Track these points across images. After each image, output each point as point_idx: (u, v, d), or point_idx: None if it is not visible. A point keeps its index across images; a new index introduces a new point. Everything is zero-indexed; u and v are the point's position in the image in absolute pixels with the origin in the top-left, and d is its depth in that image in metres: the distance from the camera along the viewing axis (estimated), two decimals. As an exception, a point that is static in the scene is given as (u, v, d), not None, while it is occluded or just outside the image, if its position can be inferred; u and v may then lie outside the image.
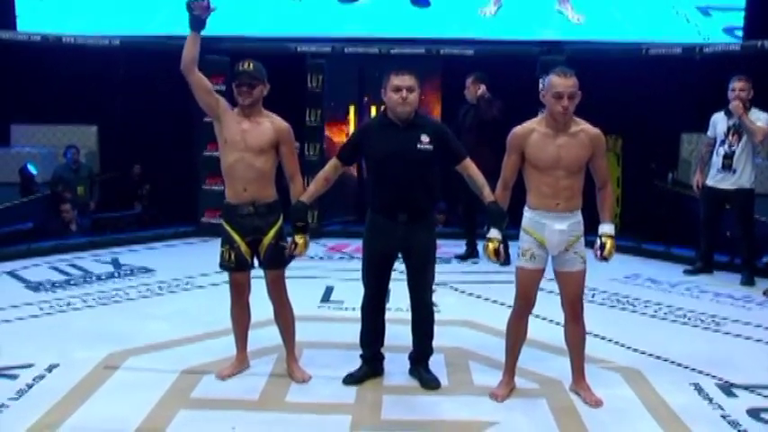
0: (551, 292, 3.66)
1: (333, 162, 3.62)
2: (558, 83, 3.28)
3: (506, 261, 3.54)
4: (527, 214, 3.45)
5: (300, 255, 3.60)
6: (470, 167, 3.55)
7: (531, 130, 3.39)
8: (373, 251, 3.60)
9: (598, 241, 3.41)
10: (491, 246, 3.43)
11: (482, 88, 6.12)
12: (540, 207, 3.39)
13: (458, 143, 3.63)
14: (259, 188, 3.58)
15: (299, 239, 3.54)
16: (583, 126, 3.38)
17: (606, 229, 3.42)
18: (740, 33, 7.95)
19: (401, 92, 3.41)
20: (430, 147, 3.46)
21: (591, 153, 3.36)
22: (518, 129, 3.43)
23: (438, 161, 3.53)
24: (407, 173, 3.44)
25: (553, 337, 4.08)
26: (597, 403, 3.45)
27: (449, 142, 3.55)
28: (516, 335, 3.57)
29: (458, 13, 8.08)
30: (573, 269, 3.42)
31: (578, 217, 3.42)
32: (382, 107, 3.61)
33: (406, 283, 3.67)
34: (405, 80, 3.42)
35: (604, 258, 3.41)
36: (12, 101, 8.60)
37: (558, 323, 4.23)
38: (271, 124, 3.58)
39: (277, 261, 3.65)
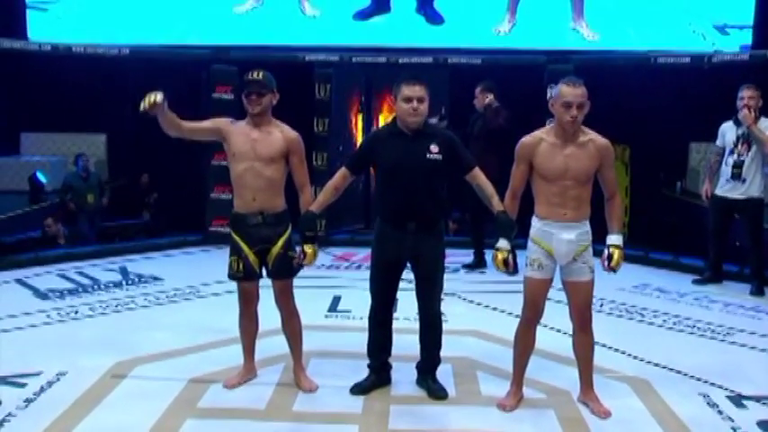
0: (559, 301, 3.65)
1: (342, 171, 3.61)
2: (567, 92, 3.28)
3: (515, 271, 3.53)
4: (535, 224, 3.45)
5: (309, 265, 3.59)
6: (479, 177, 3.55)
7: (540, 139, 3.39)
8: (381, 260, 3.59)
9: (606, 252, 3.40)
10: (500, 256, 3.43)
11: (489, 97, 6.14)
12: (548, 217, 3.39)
13: (467, 153, 3.63)
14: (268, 198, 3.59)
15: (309, 249, 3.53)
16: (591, 136, 3.38)
17: (614, 239, 3.41)
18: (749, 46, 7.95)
19: (412, 102, 3.42)
20: (439, 156, 3.46)
21: (599, 163, 3.36)
22: (526, 138, 3.43)
23: (447, 171, 3.53)
24: (416, 182, 3.44)
25: (561, 347, 4.06)
26: (606, 414, 3.43)
27: (458, 152, 3.55)
28: (524, 345, 3.55)
29: (471, 31, 8.12)
30: (581, 279, 3.41)
31: (586, 226, 3.42)
32: (391, 116, 3.62)
33: (414, 292, 3.66)
34: (416, 91, 3.42)
35: (612, 269, 3.39)
36: (22, 109, 8.67)
37: (566, 333, 4.21)
38: (281, 134, 3.59)
39: (285, 271, 3.64)
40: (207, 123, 3.67)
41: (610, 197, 3.46)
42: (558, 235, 3.37)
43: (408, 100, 3.42)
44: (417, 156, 3.45)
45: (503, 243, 3.43)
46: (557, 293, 3.60)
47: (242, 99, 3.58)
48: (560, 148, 3.33)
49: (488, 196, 3.51)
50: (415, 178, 3.44)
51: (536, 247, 3.43)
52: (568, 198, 3.34)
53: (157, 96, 3.32)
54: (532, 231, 3.45)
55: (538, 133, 3.44)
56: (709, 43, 7.95)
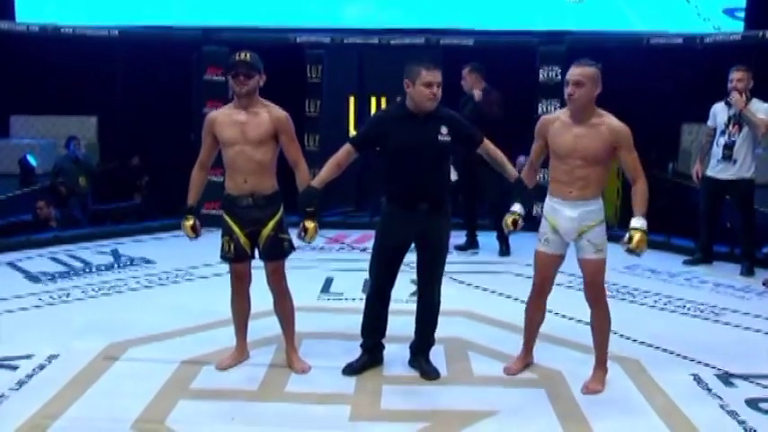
0: (558, 284, 3.66)
1: (346, 148, 3.58)
2: (569, 72, 3.39)
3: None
4: (546, 200, 3.56)
5: (311, 241, 3.59)
6: (489, 147, 3.62)
7: (556, 118, 3.51)
8: (390, 241, 3.58)
9: (627, 235, 3.39)
10: (510, 218, 3.54)
11: (477, 94, 6.04)
12: (555, 194, 3.49)
13: (472, 127, 3.67)
14: (259, 180, 3.57)
15: (309, 225, 3.52)
16: (606, 119, 3.41)
17: (634, 222, 3.37)
18: (741, 15, 7.93)
19: (432, 87, 3.43)
20: (448, 138, 3.49)
21: (612, 146, 3.37)
22: (545, 116, 3.60)
23: (453, 150, 3.58)
24: (428, 164, 3.46)
25: (553, 328, 4.09)
26: (587, 390, 3.48)
27: (465, 129, 3.59)
28: (532, 315, 3.68)
29: (462, 6, 8.09)
30: (586, 257, 3.47)
31: (592, 206, 3.44)
32: (398, 98, 3.61)
33: (405, 273, 3.66)
34: (436, 76, 3.44)
35: (631, 251, 3.35)
36: (11, 92, 8.60)
37: (559, 314, 4.25)
38: (268, 114, 3.57)
39: (276, 252, 3.64)
40: (206, 141, 3.66)
41: (633, 181, 3.45)
42: (562, 212, 3.46)
43: (429, 85, 3.42)
44: (429, 138, 3.46)
45: (517, 207, 3.55)
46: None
47: (228, 80, 3.56)
48: (570, 128, 3.41)
49: (501, 164, 3.61)
50: (426, 160, 3.46)
51: (545, 222, 3.54)
52: (575, 177, 3.40)
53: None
54: (544, 207, 3.57)
55: (556, 112, 3.59)
56: (692, 6, 7.98)
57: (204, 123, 3.66)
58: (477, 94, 6.05)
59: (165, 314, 4.51)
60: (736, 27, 7.99)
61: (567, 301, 4.27)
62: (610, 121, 3.40)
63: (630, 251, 3.36)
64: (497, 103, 6.01)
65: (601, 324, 3.54)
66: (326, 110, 7.58)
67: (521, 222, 3.54)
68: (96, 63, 8.28)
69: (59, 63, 8.14)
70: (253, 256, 3.68)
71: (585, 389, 3.49)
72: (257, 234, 3.62)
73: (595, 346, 3.57)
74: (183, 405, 3.30)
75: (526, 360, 3.72)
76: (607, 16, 8.12)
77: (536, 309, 3.66)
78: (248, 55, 3.53)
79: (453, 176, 5.77)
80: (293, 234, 3.64)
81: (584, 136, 3.37)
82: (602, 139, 3.37)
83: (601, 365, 3.57)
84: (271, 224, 3.61)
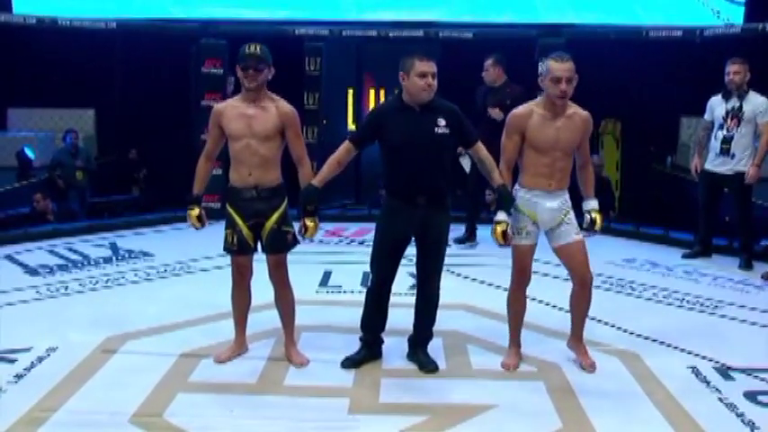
0: (546, 275, 3.67)
1: (346, 145, 3.57)
2: (556, 67, 3.37)
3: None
4: (520, 193, 3.55)
5: (310, 238, 3.59)
6: (482, 150, 3.58)
7: (531, 112, 3.49)
8: (390, 235, 3.57)
9: (587, 217, 3.54)
10: (499, 228, 3.49)
11: (496, 114, 5.84)
12: (533, 186, 3.51)
13: (470, 126, 3.63)
14: (264, 173, 3.56)
15: (310, 223, 3.52)
16: (575, 109, 3.51)
17: (593, 204, 3.58)
18: (742, 0, 7.92)
19: (427, 78, 3.42)
20: (447, 130, 3.47)
21: (583, 135, 3.50)
22: (518, 110, 3.54)
23: (453, 143, 3.56)
24: (427, 157, 3.45)
25: (550, 321, 4.09)
26: (591, 366, 3.60)
27: (463, 125, 3.56)
28: (518, 306, 3.69)
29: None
30: (571, 240, 3.53)
31: (566, 194, 3.58)
32: (396, 90, 3.60)
33: (404, 266, 3.65)
34: (431, 66, 3.43)
35: (595, 232, 3.56)
36: (8, 84, 8.58)
37: (554, 306, 4.24)
38: (276, 109, 3.55)
39: (279, 245, 3.63)
40: (212, 133, 3.63)
41: (583, 165, 3.61)
42: (542, 204, 3.50)
43: (423, 75, 3.41)
44: (426, 130, 3.45)
45: (502, 216, 3.50)
46: (542, 266, 3.62)
47: (237, 72, 3.53)
48: (551, 121, 3.44)
49: (489, 170, 3.57)
50: (424, 153, 3.44)
51: (521, 215, 3.54)
52: (556, 169, 3.47)
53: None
54: (517, 200, 3.55)
55: (529, 105, 3.54)
56: (720, 20, 7.93)
57: (211, 115, 3.63)
58: (496, 113, 5.86)
59: (163, 307, 4.51)
60: (735, 12, 7.95)
61: (561, 294, 4.25)
62: (579, 110, 3.51)
63: (595, 232, 3.54)
64: (520, 100, 5.91)
65: (589, 302, 3.64)
66: (325, 102, 7.57)
67: (510, 231, 3.50)
68: (94, 56, 8.25)
69: (57, 56, 8.12)
70: (255, 249, 3.68)
71: (588, 366, 3.60)
72: (261, 227, 3.61)
73: (580, 322, 3.67)
74: (182, 398, 3.30)
75: (519, 354, 3.72)
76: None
77: (521, 302, 3.69)
78: (258, 48, 3.50)
79: (467, 167, 5.77)
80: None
81: (564, 128, 3.45)
82: (577, 130, 3.48)
83: (581, 337, 3.70)
84: (274, 217, 3.60)
